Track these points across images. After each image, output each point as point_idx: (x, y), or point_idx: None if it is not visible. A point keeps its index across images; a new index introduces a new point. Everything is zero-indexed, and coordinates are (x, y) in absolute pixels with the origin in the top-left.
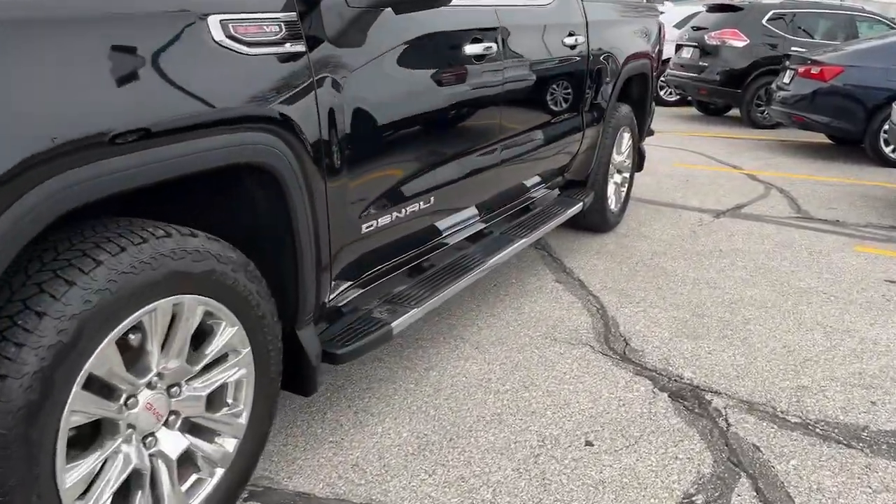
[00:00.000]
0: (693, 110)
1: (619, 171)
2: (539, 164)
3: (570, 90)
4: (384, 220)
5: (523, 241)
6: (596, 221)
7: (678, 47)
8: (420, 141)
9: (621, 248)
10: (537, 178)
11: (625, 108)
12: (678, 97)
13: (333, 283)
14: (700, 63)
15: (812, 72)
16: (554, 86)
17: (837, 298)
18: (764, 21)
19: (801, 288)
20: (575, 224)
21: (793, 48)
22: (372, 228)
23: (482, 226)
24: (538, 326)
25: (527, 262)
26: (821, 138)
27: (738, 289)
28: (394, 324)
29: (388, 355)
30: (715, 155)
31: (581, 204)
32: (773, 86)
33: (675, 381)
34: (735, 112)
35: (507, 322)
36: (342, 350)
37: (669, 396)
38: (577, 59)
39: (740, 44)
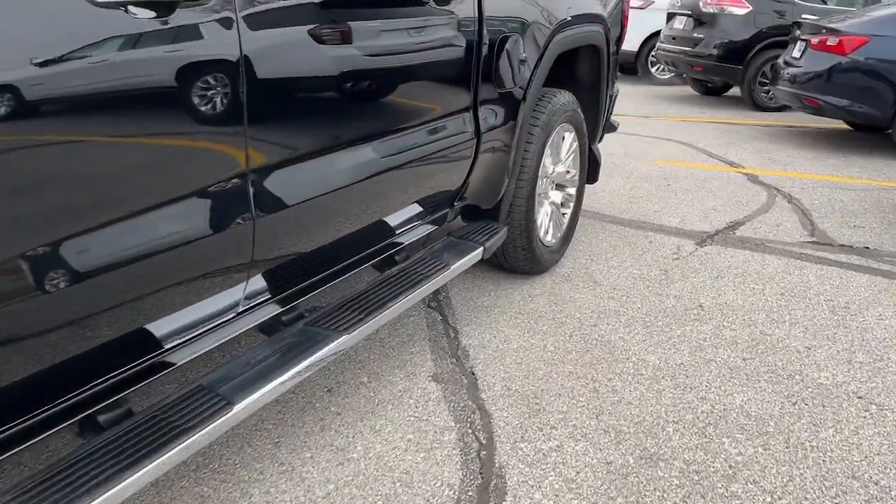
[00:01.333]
0: (688, 90)
1: (560, 187)
2: (403, 192)
3: (447, 75)
4: None
5: (342, 339)
6: (520, 262)
7: (670, 16)
8: None
9: (554, 305)
10: (404, 213)
11: (563, 98)
12: (671, 74)
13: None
14: (694, 34)
15: (828, 44)
16: (414, 69)
17: (883, 410)
18: None
19: (821, 386)
20: (498, 264)
21: (804, 15)
22: None
23: (277, 309)
24: (368, 491)
25: (403, 335)
26: (837, 124)
27: (721, 391)
28: None
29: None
30: (708, 147)
31: (481, 249)
32: (780, 61)
33: None
34: (736, 91)
35: (315, 480)
36: None
37: None
38: (457, 23)
39: (741, 11)
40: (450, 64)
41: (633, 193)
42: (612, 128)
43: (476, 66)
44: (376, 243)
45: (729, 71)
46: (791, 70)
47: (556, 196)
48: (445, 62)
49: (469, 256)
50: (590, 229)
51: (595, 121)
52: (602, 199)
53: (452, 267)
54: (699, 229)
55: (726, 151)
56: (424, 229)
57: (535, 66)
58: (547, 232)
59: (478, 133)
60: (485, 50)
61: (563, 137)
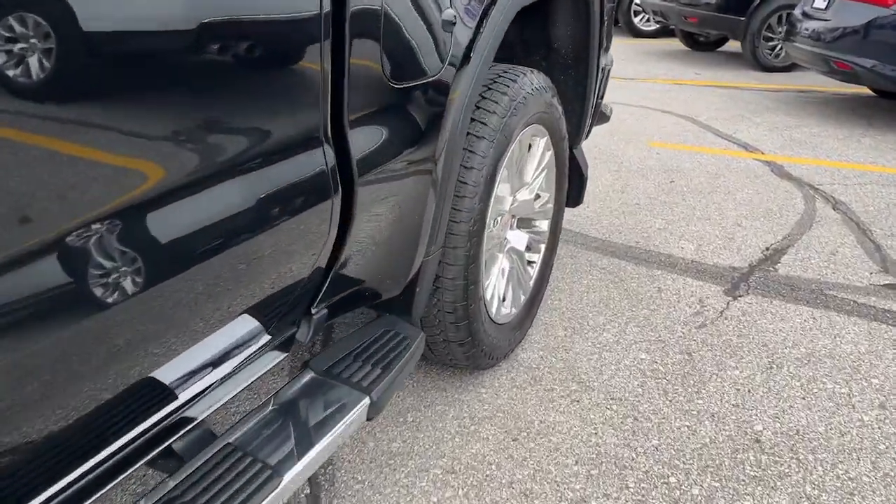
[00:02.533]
0: (676, 44)
1: (525, 224)
2: (168, 310)
3: (245, 72)
4: None
5: None
6: (456, 359)
7: None
8: None
9: (512, 446)
10: (185, 351)
11: (531, 83)
12: (658, 26)
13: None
14: None
15: None
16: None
17: None
18: None
19: None
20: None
21: None
22: None
23: None
24: None
25: None
26: (856, 88)
27: None
28: None
29: None
30: (713, 122)
31: (361, 407)
32: (797, 12)
33: None
34: (733, 46)
35: None
36: None
37: None
38: None
39: None
40: (251, 47)
41: (627, 198)
42: (603, 118)
43: (330, 41)
44: (124, 426)
45: (729, 23)
46: (813, 24)
47: (519, 239)
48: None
49: (336, 430)
50: (569, 266)
51: (580, 110)
52: (585, 208)
53: (295, 470)
54: (725, 263)
55: (736, 128)
56: (242, 378)
57: (476, 31)
58: (503, 301)
59: (346, 179)
60: (352, 6)
61: (531, 146)
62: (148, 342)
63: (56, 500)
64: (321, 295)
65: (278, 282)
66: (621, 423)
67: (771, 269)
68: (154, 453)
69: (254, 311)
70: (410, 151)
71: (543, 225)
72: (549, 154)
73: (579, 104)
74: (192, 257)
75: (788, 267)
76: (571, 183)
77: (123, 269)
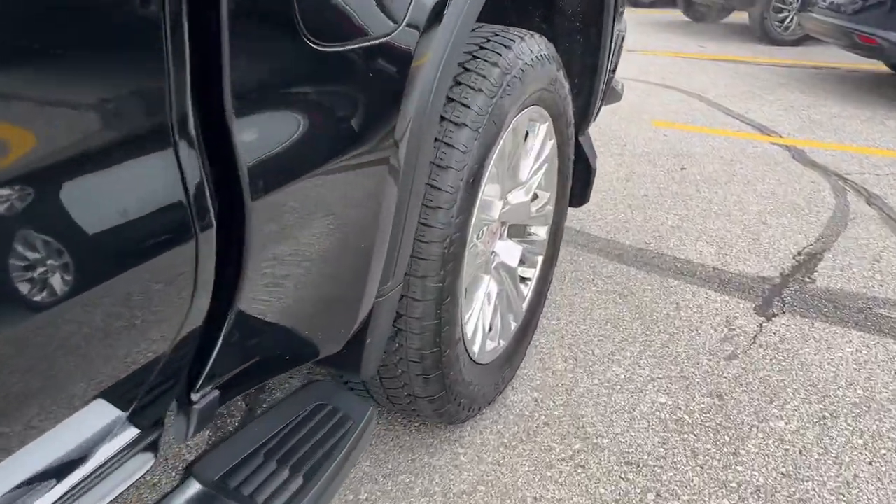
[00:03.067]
0: (677, 14)
1: (518, 233)
2: None
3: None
4: None
5: None
6: (425, 415)
7: None
8: None
9: None
10: None
11: (529, 50)
12: None
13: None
14: None
15: None
16: None
17: None
18: None
19: None
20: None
21: None
22: None
23: None
24: None
25: None
26: (873, 65)
27: None
28: None
29: None
30: (722, 99)
31: None
32: None
33: None
34: (737, 17)
35: None
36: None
37: None
38: None
39: None
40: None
41: (634, 188)
42: (615, 96)
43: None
44: None
45: None
46: None
47: (510, 252)
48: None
49: None
50: (569, 273)
51: (590, 87)
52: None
53: None
54: (753, 272)
55: (748, 107)
56: (91, 499)
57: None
58: (488, 333)
59: (230, 198)
60: None
61: (528, 134)
62: None
63: None
64: (206, 371)
65: (127, 361)
66: (640, 502)
67: (807, 279)
68: None
69: (102, 399)
70: (350, 148)
71: (541, 232)
72: (552, 143)
73: (589, 79)
74: None
75: (828, 277)
76: (576, 177)
77: None
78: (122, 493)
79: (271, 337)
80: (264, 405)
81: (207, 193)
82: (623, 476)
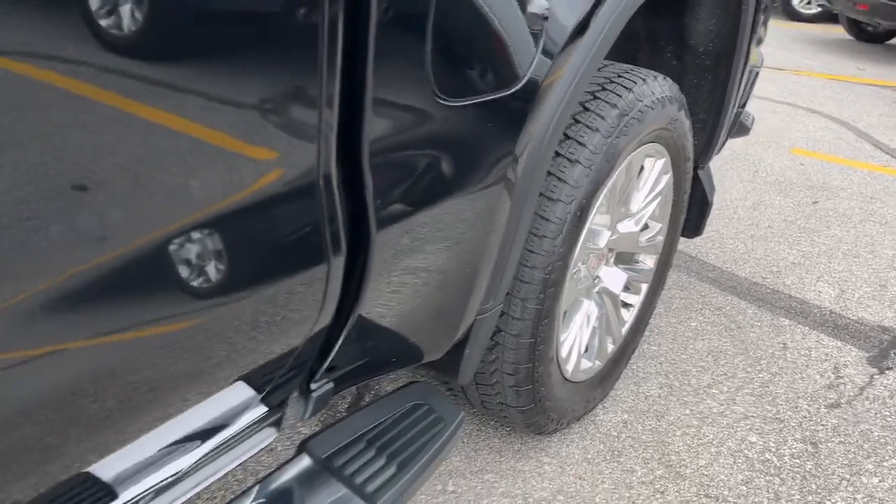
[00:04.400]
0: (839, 31)
1: (625, 260)
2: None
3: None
4: None
5: None
6: (513, 422)
7: None
8: None
9: None
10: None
11: (653, 91)
12: (819, 9)
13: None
14: None
15: None
16: None
17: None
18: None
19: None
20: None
21: None
22: None
23: None
24: None
25: None
26: None
27: None
28: None
29: None
30: (872, 130)
31: None
32: None
33: None
34: None
35: None
36: None
37: None
38: None
39: None
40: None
41: (759, 218)
42: (742, 130)
43: (339, 39)
44: None
45: None
46: None
47: (615, 278)
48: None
49: None
50: (676, 300)
51: (714, 123)
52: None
53: None
54: (873, 320)
55: None
56: (219, 465)
57: (582, 27)
58: (584, 353)
59: (360, 230)
60: None
61: (643, 168)
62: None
63: None
64: (326, 365)
65: (262, 353)
66: None
67: None
68: None
69: (242, 381)
70: (465, 186)
71: (649, 261)
72: (667, 178)
73: (714, 115)
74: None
75: None
76: (691, 210)
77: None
78: (245, 460)
79: (383, 341)
80: (371, 393)
81: (341, 226)
82: None
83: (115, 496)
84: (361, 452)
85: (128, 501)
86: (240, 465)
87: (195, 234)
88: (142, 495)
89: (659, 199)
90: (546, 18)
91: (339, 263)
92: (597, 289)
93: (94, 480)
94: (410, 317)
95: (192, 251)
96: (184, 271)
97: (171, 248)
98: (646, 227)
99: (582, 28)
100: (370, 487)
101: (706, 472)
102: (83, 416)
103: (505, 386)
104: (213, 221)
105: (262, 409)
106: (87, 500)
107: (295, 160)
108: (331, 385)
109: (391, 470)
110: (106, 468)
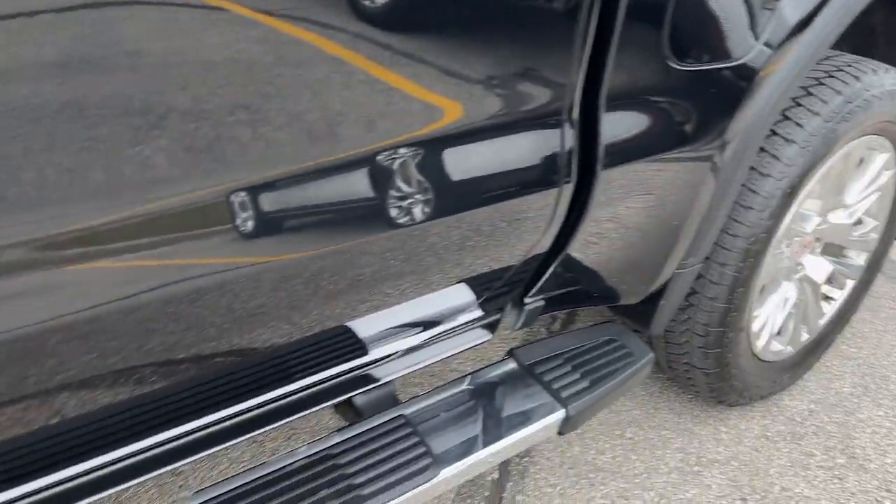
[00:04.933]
0: None
1: (832, 251)
2: (377, 263)
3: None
4: None
5: None
6: (697, 387)
7: None
8: None
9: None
10: (385, 308)
11: (880, 83)
12: None
13: None
14: None
15: None
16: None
17: None
18: None
19: None
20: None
21: None
22: None
23: None
24: None
25: None
26: None
27: None
28: None
29: None
30: None
31: (558, 416)
32: None
33: None
34: None
35: None
36: None
37: None
38: None
39: None
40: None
41: None
42: None
43: (599, 5)
44: (315, 368)
45: None
46: None
47: (819, 268)
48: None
49: (516, 436)
50: (885, 310)
51: None
52: None
53: (452, 469)
54: None
55: None
56: (439, 349)
57: (814, 12)
58: (777, 334)
59: (587, 165)
60: None
61: (863, 160)
62: (359, 289)
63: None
64: (539, 285)
65: (491, 260)
66: None
67: None
68: (338, 399)
69: (467, 283)
70: (683, 146)
71: (858, 257)
72: (889, 174)
73: None
74: (411, 212)
75: None
76: None
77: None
78: (461, 352)
79: (588, 275)
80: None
81: (575, 158)
82: (879, 500)
83: (365, 352)
84: (559, 366)
85: (373, 359)
86: (456, 355)
87: (473, 150)
88: (384, 359)
89: (878, 194)
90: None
91: (568, 190)
92: (798, 275)
93: (353, 335)
94: (616, 257)
95: (459, 164)
96: (448, 177)
97: (448, 158)
98: (859, 221)
99: (811, 15)
100: (564, 394)
101: (892, 470)
102: (362, 278)
103: (694, 346)
104: (484, 141)
105: (478, 313)
106: (350, 348)
107: (551, 101)
108: (541, 303)
109: (584, 384)
110: (362, 327)
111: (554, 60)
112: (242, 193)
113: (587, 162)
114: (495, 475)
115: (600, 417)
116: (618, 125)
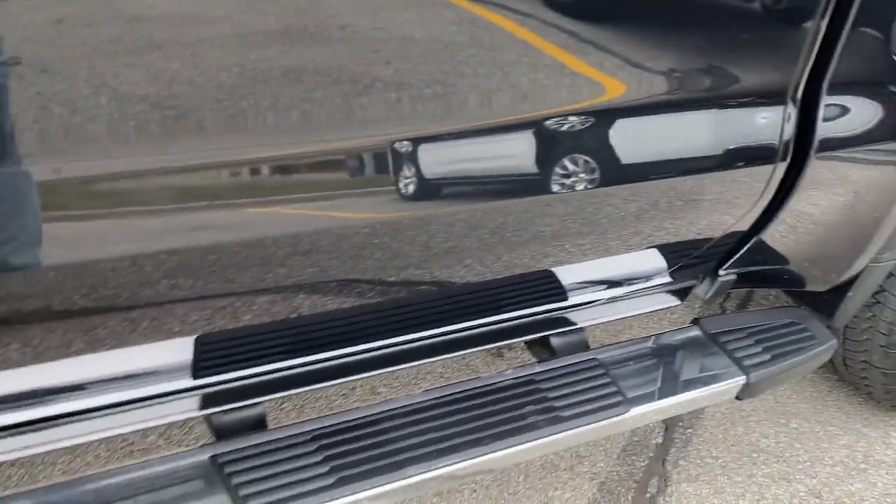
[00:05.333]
0: None
1: None
2: (578, 222)
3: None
4: None
5: None
6: (874, 390)
7: None
8: None
9: None
10: (584, 264)
11: None
12: None
13: None
14: None
15: None
16: None
17: None
18: None
19: None
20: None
21: None
22: None
23: None
24: None
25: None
26: None
27: None
28: None
29: None
30: None
31: (739, 381)
32: None
33: None
34: None
35: None
36: None
37: None
38: None
39: None
40: None
41: None
42: None
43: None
44: (525, 304)
45: None
46: None
47: None
48: None
49: (699, 392)
50: None
51: None
52: None
53: (642, 409)
54: None
55: None
56: (631, 306)
57: None
58: None
59: (802, 147)
60: None
61: None
62: (567, 237)
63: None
64: (734, 259)
65: (695, 229)
66: None
67: None
68: (534, 336)
69: (665, 248)
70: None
71: None
72: None
73: None
74: (629, 173)
75: None
76: None
77: (573, 165)
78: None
79: (780, 257)
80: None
81: (792, 138)
82: None
83: (566, 297)
84: (742, 339)
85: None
86: (648, 314)
87: (700, 118)
88: (580, 305)
89: None
90: None
91: (781, 169)
92: None
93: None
94: (811, 241)
95: (684, 131)
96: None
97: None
98: None
99: None
100: (747, 363)
101: None
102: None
103: (875, 344)
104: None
105: (666, 279)
106: (553, 291)
107: (778, 82)
108: (733, 277)
109: (765, 356)
110: (566, 275)
111: (788, 42)
112: (433, 144)
113: (802, 144)
114: (659, 439)
115: (765, 404)
116: (836, 112)
